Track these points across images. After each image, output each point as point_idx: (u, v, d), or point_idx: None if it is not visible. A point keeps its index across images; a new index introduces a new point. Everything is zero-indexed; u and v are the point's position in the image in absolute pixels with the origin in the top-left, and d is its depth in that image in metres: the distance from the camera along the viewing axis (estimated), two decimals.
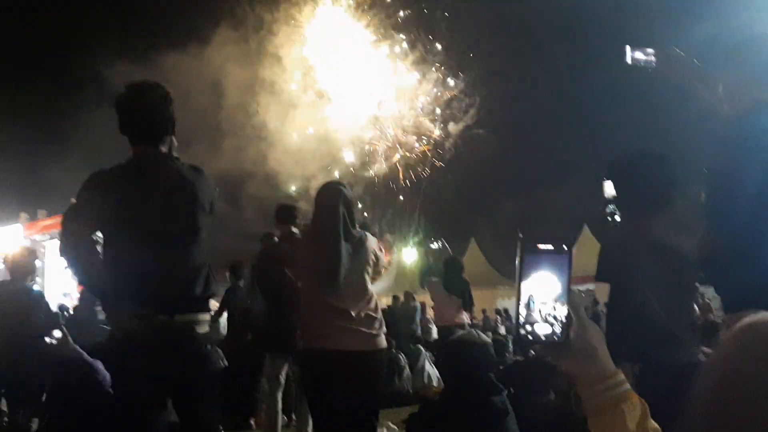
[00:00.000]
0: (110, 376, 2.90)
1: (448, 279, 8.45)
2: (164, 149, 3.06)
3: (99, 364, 4.04)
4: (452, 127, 32.76)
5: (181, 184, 3.01)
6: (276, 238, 6.06)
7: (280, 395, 5.50)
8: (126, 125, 3.04)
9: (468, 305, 8.46)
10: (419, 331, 13.70)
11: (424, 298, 14.67)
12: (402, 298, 15.29)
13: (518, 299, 1.15)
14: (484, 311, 20.94)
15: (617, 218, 3.10)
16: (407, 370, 8.73)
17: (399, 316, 13.68)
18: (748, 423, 0.74)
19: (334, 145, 30.48)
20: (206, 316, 3.03)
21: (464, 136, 32.76)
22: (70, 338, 4.72)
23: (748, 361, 0.78)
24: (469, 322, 8.45)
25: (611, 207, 3.11)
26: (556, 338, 1.15)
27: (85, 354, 4.26)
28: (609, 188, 3.11)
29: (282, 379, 5.46)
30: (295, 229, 5.51)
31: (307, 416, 5.13)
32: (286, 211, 5.66)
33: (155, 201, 2.94)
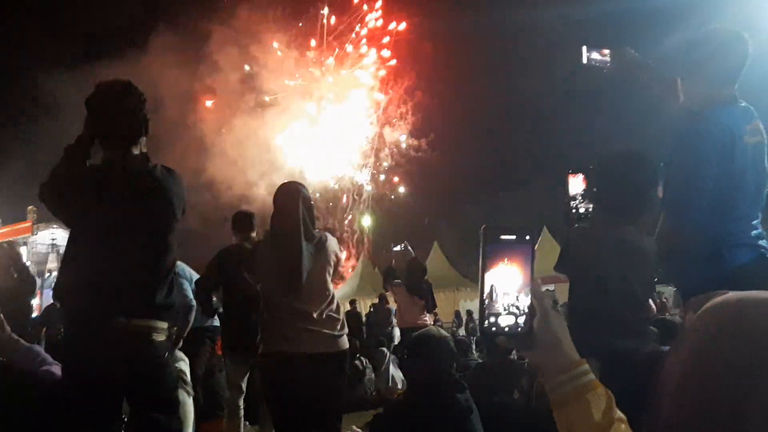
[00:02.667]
0: (64, 374, 2.82)
1: (411, 281, 8.50)
2: (136, 151, 2.98)
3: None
4: (410, 133, 32.96)
5: (153, 188, 2.94)
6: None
7: (242, 402, 5.39)
8: (99, 126, 2.95)
9: (431, 307, 8.53)
10: (395, 333, 13.72)
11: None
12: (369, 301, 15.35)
13: (481, 291, 1.13)
14: (456, 312, 21.11)
15: (581, 211, 3.13)
16: (370, 373, 8.70)
17: (375, 319, 13.71)
18: (725, 394, 0.75)
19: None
20: (164, 325, 2.96)
21: (424, 142, 32.98)
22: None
23: (724, 335, 0.79)
24: (432, 323, 8.50)
25: (575, 202, 3.14)
26: (519, 329, 1.14)
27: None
28: (574, 183, 3.13)
29: (244, 386, 5.34)
30: (253, 234, 5.49)
31: (269, 421, 5.06)
32: (243, 220, 5.63)
33: (126, 204, 2.86)
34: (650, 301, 3.81)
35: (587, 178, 3.11)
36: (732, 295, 0.84)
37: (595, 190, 3.04)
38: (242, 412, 5.42)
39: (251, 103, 29.77)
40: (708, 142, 2.69)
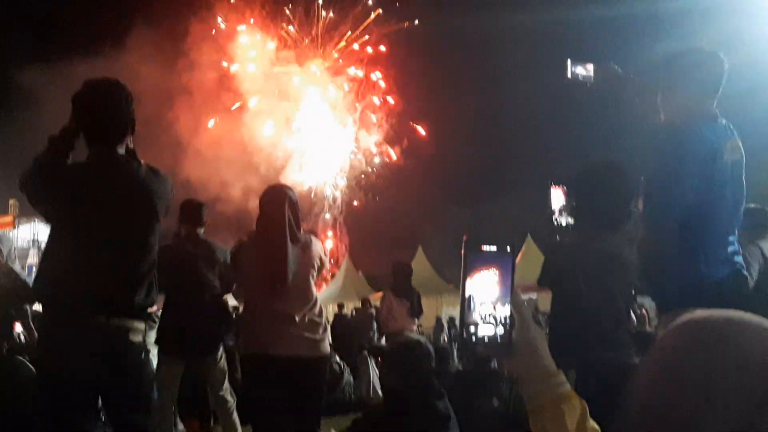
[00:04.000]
0: (40, 371, 2.81)
1: (396, 283, 8.41)
2: (122, 150, 2.97)
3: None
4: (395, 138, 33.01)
5: (137, 187, 2.94)
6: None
7: (173, 406, 5.04)
8: (85, 124, 2.93)
9: (416, 312, 8.46)
10: (377, 338, 13.70)
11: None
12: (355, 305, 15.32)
13: (462, 300, 1.16)
14: (438, 319, 21.10)
15: (563, 223, 3.16)
16: (348, 376, 8.68)
17: (355, 324, 13.66)
18: (684, 412, 0.78)
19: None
20: (142, 325, 2.96)
21: (409, 146, 33.04)
22: None
23: (689, 354, 0.82)
24: (419, 329, 8.41)
25: (557, 213, 3.17)
26: (498, 339, 1.16)
27: None
28: (556, 195, 3.17)
29: (176, 387, 4.89)
30: (200, 230, 5.09)
31: (235, 424, 4.97)
32: (190, 210, 5.12)
33: (110, 203, 2.86)
34: (630, 313, 3.86)
35: (567, 192, 3.15)
36: (699, 313, 0.87)
37: (574, 202, 3.08)
38: (173, 419, 5.16)
39: (229, 103, 29.61)
40: (688, 157, 2.74)
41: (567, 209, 3.15)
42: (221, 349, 5.01)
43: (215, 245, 5.09)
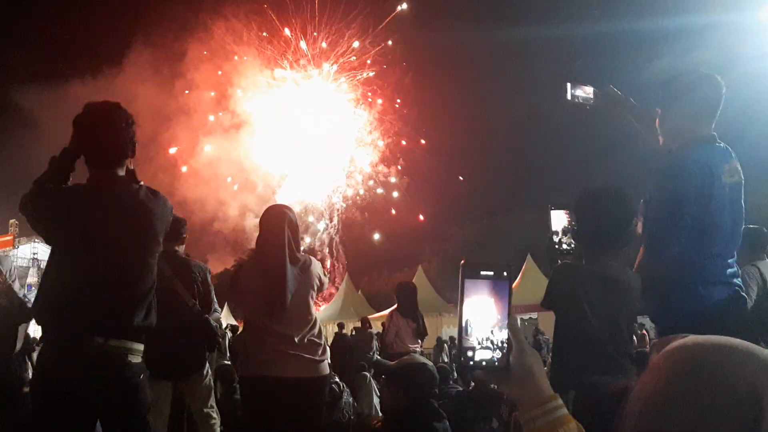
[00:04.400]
0: (38, 391, 2.81)
1: (404, 303, 8.31)
2: (122, 172, 2.99)
3: None
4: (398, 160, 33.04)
5: (137, 209, 2.96)
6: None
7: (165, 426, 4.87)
8: (86, 147, 2.95)
9: (422, 333, 8.29)
10: (377, 358, 13.59)
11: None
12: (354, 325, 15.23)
13: (460, 324, 1.16)
14: (439, 339, 20.98)
15: (564, 246, 3.16)
16: (347, 397, 8.62)
17: (355, 344, 13.58)
18: None
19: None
20: (140, 346, 2.96)
21: (410, 167, 33.10)
22: None
23: (679, 379, 0.83)
24: (421, 350, 8.33)
25: (558, 236, 3.17)
26: (495, 363, 1.17)
27: None
28: (556, 218, 3.18)
29: (166, 410, 4.78)
30: (178, 248, 4.99)
31: None
32: (172, 226, 5.08)
33: (110, 225, 2.87)
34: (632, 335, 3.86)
35: (568, 215, 3.16)
36: (690, 339, 0.88)
37: (574, 226, 3.08)
38: None
39: (227, 122, 29.74)
40: (687, 180, 2.75)
41: (568, 232, 3.15)
42: (206, 366, 4.95)
43: (193, 263, 5.00)
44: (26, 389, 5.68)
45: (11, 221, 30.32)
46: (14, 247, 29.38)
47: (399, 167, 32.99)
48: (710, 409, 0.78)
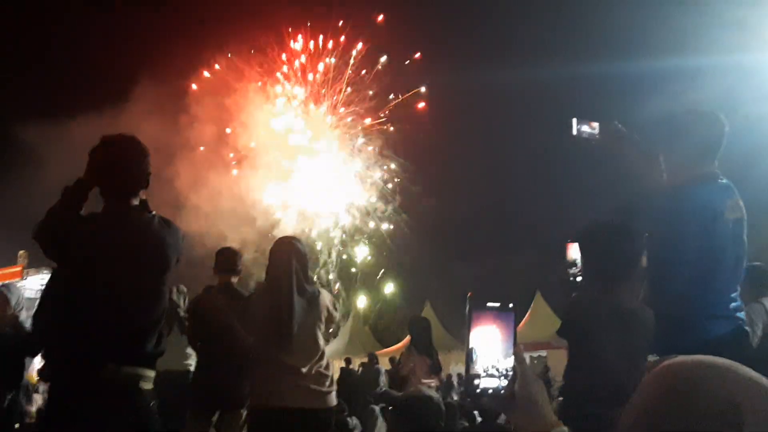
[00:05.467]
0: (50, 418, 2.83)
1: (417, 340, 8.21)
2: (135, 202, 3.06)
3: None
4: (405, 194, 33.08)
5: (150, 238, 3.01)
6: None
7: None
8: (101, 177, 3.03)
9: (437, 369, 8.13)
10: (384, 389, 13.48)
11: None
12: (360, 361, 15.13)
13: (467, 354, 1.20)
14: (448, 376, 20.75)
15: (579, 279, 3.17)
16: None
17: (361, 380, 13.49)
18: None
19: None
20: (152, 373, 2.99)
21: (418, 203, 33.13)
22: None
23: (664, 397, 0.87)
24: (436, 385, 8.22)
25: (574, 269, 3.19)
26: (501, 390, 1.20)
27: None
28: (573, 251, 3.19)
29: None
30: (234, 279, 5.08)
31: None
32: (225, 259, 5.13)
33: (123, 253, 2.93)
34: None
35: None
36: (677, 359, 0.93)
37: (581, 262, 3.09)
38: None
39: (227, 158, 29.96)
40: (689, 216, 2.80)
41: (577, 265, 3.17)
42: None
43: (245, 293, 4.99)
44: (30, 420, 5.70)
45: (20, 252, 30.41)
46: (23, 278, 29.43)
47: (397, 205, 33.05)
48: (693, 424, 0.82)
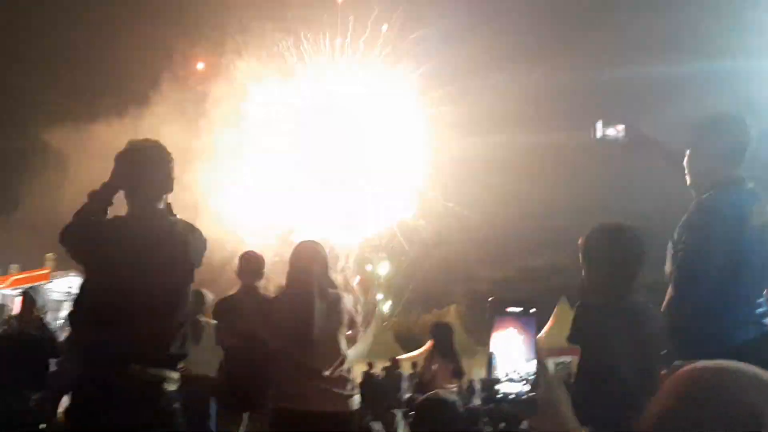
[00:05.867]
0: (73, 419, 2.87)
1: (440, 345, 8.19)
2: (160, 206, 3.11)
3: None
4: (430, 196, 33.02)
5: (174, 241, 3.05)
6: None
7: None
8: (126, 181, 3.08)
9: (460, 374, 8.07)
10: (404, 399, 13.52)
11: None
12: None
13: (489, 358, 1.20)
14: (471, 381, 20.62)
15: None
16: None
17: (384, 384, 13.50)
18: None
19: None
20: (176, 375, 3.02)
21: (442, 208, 33.07)
22: None
23: (684, 402, 0.86)
24: (457, 390, 8.18)
25: None
26: (524, 395, 1.19)
27: None
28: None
29: None
30: (258, 283, 5.16)
31: None
32: (248, 263, 5.21)
33: (147, 256, 2.96)
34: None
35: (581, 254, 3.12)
36: (698, 363, 0.91)
37: (585, 266, 3.05)
38: None
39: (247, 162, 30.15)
40: (715, 221, 2.75)
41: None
42: None
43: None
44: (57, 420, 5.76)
45: (48, 255, 30.93)
46: (50, 281, 29.89)
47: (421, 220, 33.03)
48: (713, 431, 0.80)
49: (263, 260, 5.33)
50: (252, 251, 5.50)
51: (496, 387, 1.19)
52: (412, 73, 31.57)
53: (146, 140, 3.18)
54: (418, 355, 20.02)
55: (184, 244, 3.07)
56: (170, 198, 3.17)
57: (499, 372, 1.19)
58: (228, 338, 5.12)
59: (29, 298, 5.75)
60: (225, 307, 5.17)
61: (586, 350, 3.07)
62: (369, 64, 31.34)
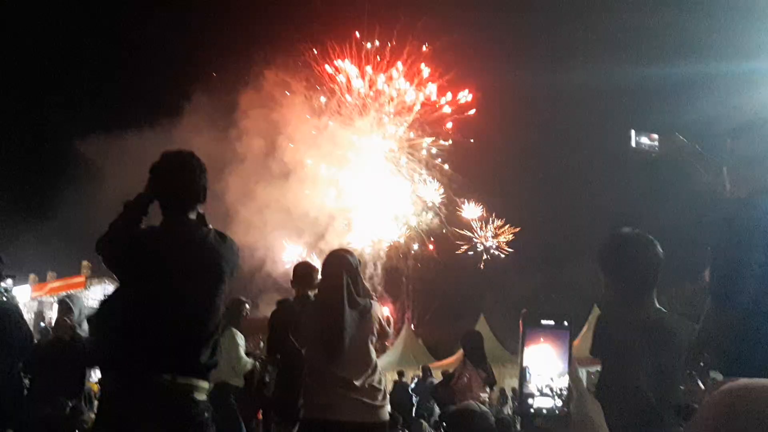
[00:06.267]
0: (105, 427, 2.89)
1: (471, 354, 8.13)
2: (193, 216, 3.14)
3: None
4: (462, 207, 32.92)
5: (206, 251, 3.08)
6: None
7: None
8: (160, 191, 3.12)
9: (492, 382, 8.01)
10: (437, 409, 13.51)
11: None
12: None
13: (521, 372, 1.17)
14: (502, 390, 20.42)
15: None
16: None
17: (416, 392, 13.46)
18: None
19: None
20: (206, 384, 3.03)
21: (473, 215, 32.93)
22: None
23: (726, 421, 0.83)
24: (487, 399, 8.11)
25: None
26: (556, 411, 1.16)
27: None
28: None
29: None
30: (311, 293, 5.20)
31: None
32: (302, 272, 5.37)
33: (181, 266, 2.99)
34: (700, 385, 3.70)
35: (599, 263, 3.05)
36: (742, 382, 0.88)
37: (603, 276, 2.99)
38: None
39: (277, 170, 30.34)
40: (756, 229, 2.69)
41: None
42: None
43: None
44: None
45: (84, 263, 31.55)
46: (86, 288, 30.48)
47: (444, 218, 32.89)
48: None
49: (316, 270, 5.35)
50: (306, 261, 5.64)
51: (529, 402, 1.16)
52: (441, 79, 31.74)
53: (180, 151, 3.21)
54: (448, 364, 19.91)
55: (216, 255, 3.09)
56: (203, 208, 3.20)
57: (532, 386, 1.16)
58: (277, 348, 5.27)
59: (65, 306, 5.83)
60: (280, 317, 5.27)
61: (606, 363, 3.02)
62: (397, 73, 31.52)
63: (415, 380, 16.54)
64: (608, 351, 2.94)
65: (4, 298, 5.90)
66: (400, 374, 17.24)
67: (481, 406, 3.74)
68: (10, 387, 5.19)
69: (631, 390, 2.75)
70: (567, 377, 1.17)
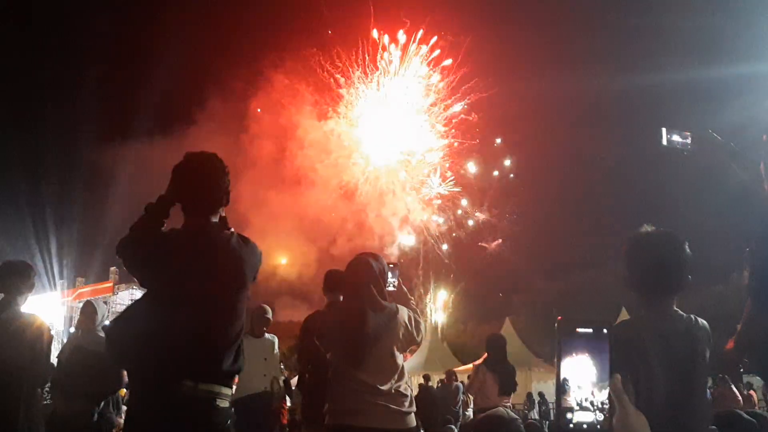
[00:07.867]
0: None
1: (491, 358, 8.02)
2: (215, 219, 3.11)
3: None
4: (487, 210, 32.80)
5: (228, 255, 3.03)
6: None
7: None
8: (183, 194, 3.09)
9: (509, 388, 7.84)
10: (461, 413, 13.42)
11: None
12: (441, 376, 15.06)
13: (557, 384, 1.10)
14: (529, 394, 20.20)
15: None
16: None
17: (440, 396, 13.39)
18: None
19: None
20: (229, 391, 2.99)
21: (501, 216, 32.78)
22: None
23: None
24: (509, 406, 7.98)
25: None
26: (597, 426, 1.09)
27: None
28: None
29: None
30: (338, 298, 5.17)
31: None
32: (334, 279, 5.39)
33: (202, 270, 2.95)
34: (734, 389, 3.56)
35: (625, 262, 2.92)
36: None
37: (627, 274, 2.85)
38: None
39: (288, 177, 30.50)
40: None
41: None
42: None
43: None
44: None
45: (111, 269, 32.00)
46: (113, 294, 30.89)
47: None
48: None
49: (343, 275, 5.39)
50: (336, 269, 5.56)
51: (568, 416, 1.09)
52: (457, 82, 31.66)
53: (202, 153, 3.17)
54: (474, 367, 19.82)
55: (238, 259, 3.04)
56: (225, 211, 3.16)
57: (571, 399, 1.09)
58: (310, 355, 5.26)
59: (91, 308, 5.87)
60: (311, 324, 5.25)
61: (625, 375, 2.89)
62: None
63: (439, 384, 16.43)
64: (625, 362, 2.80)
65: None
66: (426, 378, 17.15)
67: (510, 412, 3.67)
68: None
69: (648, 401, 2.60)
70: (608, 389, 1.10)
